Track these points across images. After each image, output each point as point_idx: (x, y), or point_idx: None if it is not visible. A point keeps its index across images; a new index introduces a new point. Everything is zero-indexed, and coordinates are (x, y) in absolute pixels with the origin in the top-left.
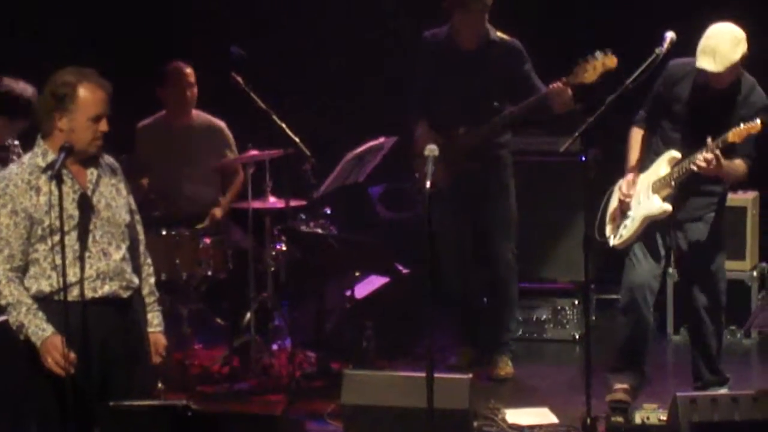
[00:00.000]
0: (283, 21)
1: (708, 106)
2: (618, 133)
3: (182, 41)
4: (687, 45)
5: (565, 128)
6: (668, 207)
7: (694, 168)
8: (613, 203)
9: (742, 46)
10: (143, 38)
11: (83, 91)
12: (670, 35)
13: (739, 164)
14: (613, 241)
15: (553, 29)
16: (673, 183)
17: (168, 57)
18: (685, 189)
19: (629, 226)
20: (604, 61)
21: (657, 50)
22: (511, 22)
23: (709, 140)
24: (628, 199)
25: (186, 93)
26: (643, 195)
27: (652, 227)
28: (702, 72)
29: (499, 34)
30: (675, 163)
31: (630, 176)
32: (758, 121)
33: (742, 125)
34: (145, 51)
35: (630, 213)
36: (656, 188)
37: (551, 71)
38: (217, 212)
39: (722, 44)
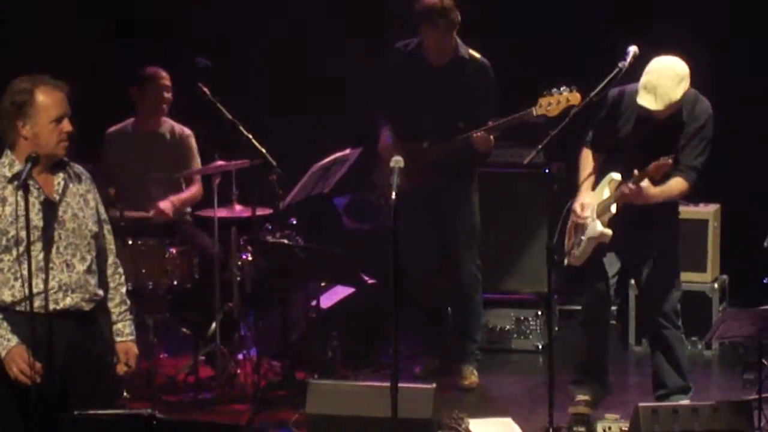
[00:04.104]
0: (249, 32)
1: (654, 131)
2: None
3: (148, 51)
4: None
5: (530, 140)
6: (608, 232)
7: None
8: (570, 222)
9: (685, 83)
10: (108, 46)
11: (41, 95)
12: (633, 49)
13: (673, 185)
14: (567, 260)
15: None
16: (612, 207)
17: (134, 65)
18: (625, 213)
19: (580, 247)
20: (568, 97)
21: (620, 64)
22: (488, 41)
23: (635, 172)
24: (582, 221)
25: (163, 96)
26: (590, 217)
27: (601, 248)
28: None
29: (470, 51)
30: (615, 187)
31: (581, 198)
32: (669, 160)
33: (661, 159)
34: (110, 60)
35: (583, 234)
36: (599, 212)
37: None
38: (163, 205)
39: (664, 81)
